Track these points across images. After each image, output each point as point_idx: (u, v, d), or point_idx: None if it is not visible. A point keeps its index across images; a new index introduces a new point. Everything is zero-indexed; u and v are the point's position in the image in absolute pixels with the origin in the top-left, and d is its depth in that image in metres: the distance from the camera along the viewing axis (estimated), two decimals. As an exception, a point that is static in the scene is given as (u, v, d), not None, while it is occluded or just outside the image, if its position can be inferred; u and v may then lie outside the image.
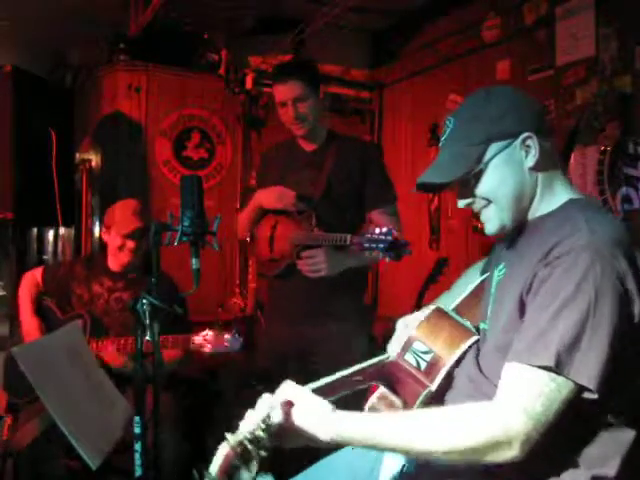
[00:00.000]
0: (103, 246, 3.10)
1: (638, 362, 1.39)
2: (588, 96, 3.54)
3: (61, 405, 1.69)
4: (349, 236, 2.49)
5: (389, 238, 2.32)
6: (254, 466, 1.25)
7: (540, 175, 1.53)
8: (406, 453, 1.46)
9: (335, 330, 2.79)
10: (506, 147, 1.50)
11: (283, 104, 2.81)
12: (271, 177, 2.96)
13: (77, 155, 4.84)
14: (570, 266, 1.34)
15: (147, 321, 1.65)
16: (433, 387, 1.59)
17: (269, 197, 2.87)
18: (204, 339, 2.58)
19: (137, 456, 1.64)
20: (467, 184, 1.55)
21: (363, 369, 1.63)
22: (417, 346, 1.64)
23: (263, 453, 1.27)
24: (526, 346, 1.36)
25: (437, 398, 1.61)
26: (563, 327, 1.32)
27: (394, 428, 1.40)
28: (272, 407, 1.34)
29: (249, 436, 1.25)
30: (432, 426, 1.38)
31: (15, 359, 1.71)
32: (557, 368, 1.31)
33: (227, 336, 2.57)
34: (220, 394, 3.73)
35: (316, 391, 1.49)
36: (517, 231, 1.60)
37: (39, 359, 1.74)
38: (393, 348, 1.71)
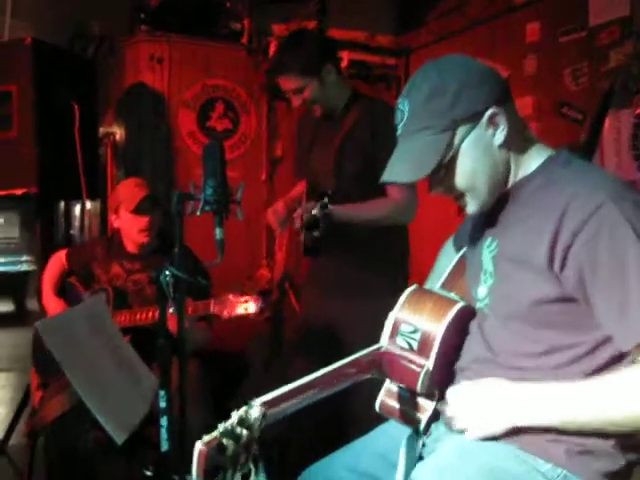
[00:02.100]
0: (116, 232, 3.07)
1: None
2: (622, 58, 3.42)
3: (86, 379, 1.67)
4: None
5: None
6: (239, 463, 1.18)
7: (512, 148, 1.46)
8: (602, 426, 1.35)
9: (364, 303, 2.68)
10: (473, 128, 1.42)
11: (287, 93, 2.77)
12: (301, 147, 2.96)
13: (101, 129, 4.81)
14: (612, 225, 1.29)
15: (171, 293, 1.61)
16: (430, 364, 1.55)
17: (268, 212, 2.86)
18: (224, 304, 2.55)
19: (163, 431, 1.62)
20: (437, 173, 1.46)
21: (356, 360, 1.56)
22: (404, 328, 1.60)
23: (245, 449, 1.20)
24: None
25: (439, 376, 1.57)
26: None
27: (587, 397, 1.34)
28: (250, 404, 1.27)
29: (223, 431, 1.18)
30: (624, 390, 1.31)
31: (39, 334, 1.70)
32: None
33: (247, 298, 2.54)
34: (248, 368, 3.72)
35: (306, 385, 1.42)
36: (496, 203, 1.54)
37: (63, 332, 1.71)
38: (383, 336, 1.66)
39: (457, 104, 1.41)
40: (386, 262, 2.83)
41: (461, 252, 1.82)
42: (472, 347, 1.57)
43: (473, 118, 1.42)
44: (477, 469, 1.41)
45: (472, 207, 1.51)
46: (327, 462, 1.72)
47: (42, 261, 3.20)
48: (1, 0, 4.78)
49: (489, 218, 1.57)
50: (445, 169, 1.45)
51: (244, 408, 1.26)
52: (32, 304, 3.69)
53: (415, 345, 1.58)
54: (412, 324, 1.60)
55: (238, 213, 1.74)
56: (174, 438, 1.63)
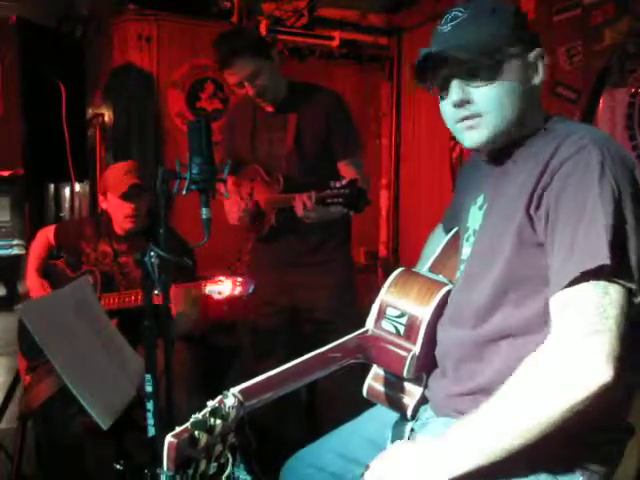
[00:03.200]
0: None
1: None
2: (617, 36, 3.38)
3: (69, 363, 1.63)
4: (314, 194, 2.49)
5: (346, 191, 2.33)
6: (214, 454, 1.17)
7: (537, 98, 1.47)
8: (525, 438, 1.26)
9: (318, 284, 2.87)
10: (519, 56, 1.40)
11: (240, 85, 2.75)
12: (241, 137, 2.95)
13: (89, 110, 4.75)
14: (586, 167, 1.27)
15: (156, 274, 1.58)
16: (417, 349, 1.52)
17: (227, 204, 2.91)
18: (216, 284, 2.53)
19: (149, 415, 1.59)
20: (468, 78, 1.40)
21: (342, 345, 1.54)
22: (390, 312, 1.58)
23: (221, 439, 1.18)
24: (576, 261, 1.24)
25: (426, 359, 1.54)
26: (604, 226, 1.23)
27: (493, 422, 1.27)
28: (225, 394, 1.25)
29: (194, 422, 1.16)
30: (525, 399, 1.26)
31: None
32: (612, 266, 1.21)
33: (240, 279, 2.51)
34: (237, 350, 3.70)
35: (292, 369, 1.40)
36: (475, 166, 1.56)
37: (45, 315, 1.67)
38: (369, 320, 1.64)
39: (518, 26, 1.42)
40: (341, 237, 3.02)
41: (451, 233, 1.78)
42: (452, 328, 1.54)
43: (524, 47, 1.41)
44: None
45: (477, 135, 1.43)
46: (315, 448, 1.70)
47: (29, 245, 3.15)
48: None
49: (477, 180, 1.56)
50: (481, 77, 1.39)
51: (218, 397, 1.24)
52: (23, 288, 3.66)
53: (402, 329, 1.55)
54: (398, 308, 1.57)
55: (225, 192, 1.70)
56: (161, 422, 1.60)
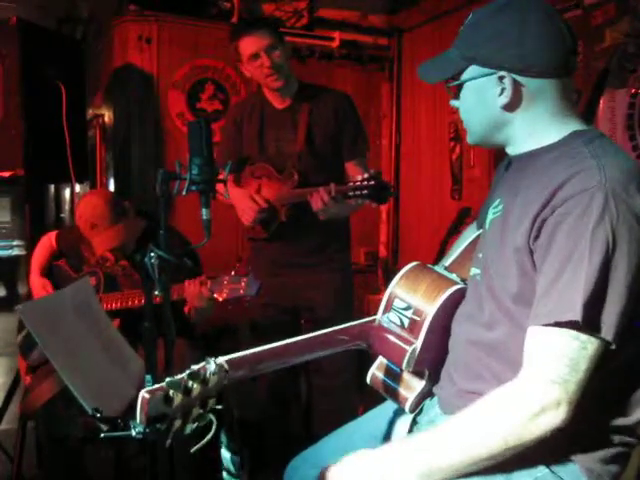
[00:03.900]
0: None
1: None
2: (618, 36, 3.38)
3: (69, 363, 1.63)
4: (334, 187, 2.50)
5: (372, 183, 2.36)
6: (190, 415, 1.21)
7: (520, 115, 1.43)
8: (452, 473, 1.32)
9: (321, 282, 2.90)
10: (483, 75, 1.42)
11: (255, 56, 2.73)
12: (248, 135, 2.94)
13: (90, 111, 4.75)
14: (584, 211, 1.25)
15: (156, 275, 1.58)
16: (418, 343, 1.53)
17: (238, 204, 2.83)
18: (220, 285, 2.51)
19: (149, 415, 1.58)
20: (449, 89, 1.52)
21: (347, 328, 1.58)
22: (397, 304, 1.59)
23: (199, 402, 1.23)
24: (551, 306, 1.27)
25: (428, 355, 1.55)
26: (585, 278, 1.23)
27: (427, 453, 1.31)
28: (208, 360, 1.30)
29: (169, 382, 1.20)
30: (467, 436, 1.29)
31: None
32: (583, 325, 1.23)
33: (244, 280, 2.50)
34: (240, 347, 3.69)
35: (295, 343, 1.46)
36: (510, 165, 1.54)
37: (45, 316, 1.67)
38: (379, 309, 1.66)
39: (483, 46, 1.41)
40: (344, 240, 3.05)
41: (477, 233, 1.78)
42: (464, 327, 1.54)
43: (488, 65, 1.42)
44: None
45: (467, 137, 1.56)
46: (318, 447, 1.70)
47: (32, 245, 3.15)
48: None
49: (504, 182, 1.55)
50: (454, 92, 1.50)
51: (202, 363, 1.26)
52: (23, 289, 3.66)
53: (406, 322, 1.56)
54: (406, 301, 1.58)
55: (225, 192, 1.70)
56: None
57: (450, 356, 1.57)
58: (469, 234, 1.88)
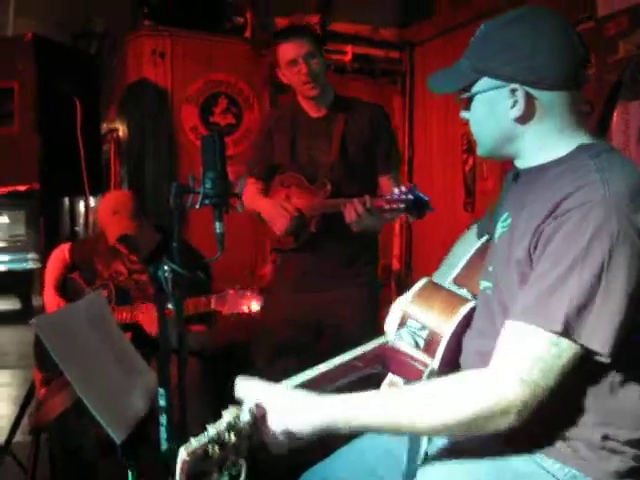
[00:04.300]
0: None
1: None
2: (632, 48, 3.38)
3: (83, 376, 1.64)
4: (368, 199, 2.44)
5: (410, 197, 2.29)
6: (225, 467, 1.20)
7: (532, 129, 1.42)
8: (395, 431, 1.36)
9: (349, 297, 2.80)
10: (495, 88, 1.41)
11: (294, 62, 2.72)
12: (280, 144, 2.89)
13: (104, 125, 4.79)
14: (581, 221, 1.24)
15: (169, 288, 1.58)
16: (435, 364, 1.51)
17: (269, 213, 2.80)
18: (224, 299, 2.52)
19: (162, 430, 1.59)
20: (460, 101, 1.51)
21: (362, 354, 1.55)
22: (411, 324, 1.57)
23: (235, 456, 1.21)
24: (531, 305, 1.27)
25: (444, 374, 1.53)
26: (573, 287, 1.23)
27: (383, 405, 1.32)
28: (241, 408, 1.27)
29: (211, 438, 1.18)
30: (425, 400, 1.30)
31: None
32: (565, 332, 1.22)
33: (248, 293, 2.50)
34: (253, 362, 3.69)
35: (312, 381, 1.42)
36: (518, 178, 1.52)
37: (59, 329, 1.68)
38: (389, 327, 1.63)
39: (494, 58, 1.40)
40: (373, 253, 2.99)
41: (481, 241, 1.76)
42: (473, 339, 1.53)
43: (499, 78, 1.41)
44: (486, 468, 1.38)
45: (477, 149, 1.55)
46: (330, 461, 1.69)
47: (47, 258, 3.17)
48: (4, -2, 4.78)
49: (512, 195, 1.54)
50: (465, 104, 1.49)
51: (234, 411, 1.25)
52: (38, 301, 3.69)
53: (421, 343, 1.55)
54: (420, 321, 1.56)
55: (239, 206, 1.71)
56: (174, 437, 1.60)
57: (463, 368, 1.56)
58: (469, 240, 1.87)
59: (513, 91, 1.39)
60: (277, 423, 1.30)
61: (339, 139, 2.77)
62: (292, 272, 2.91)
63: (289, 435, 1.31)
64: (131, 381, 1.88)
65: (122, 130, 4.81)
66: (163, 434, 1.59)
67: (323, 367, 1.47)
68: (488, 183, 4.34)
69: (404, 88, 5.15)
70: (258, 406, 1.29)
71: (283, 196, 2.81)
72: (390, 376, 1.66)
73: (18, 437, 3.18)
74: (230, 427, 1.21)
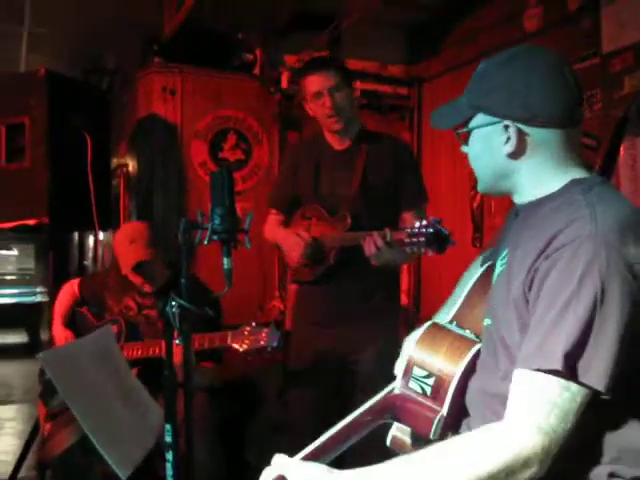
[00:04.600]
0: None
1: None
2: (637, 84, 3.40)
3: (89, 412, 1.63)
4: (389, 232, 2.40)
5: (430, 230, 2.24)
6: None
7: (525, 164, 1.45)
8: None
9: (370, 332, 2.73)
10: (489, 124, 1.45)
11: (318, 95, 2.70)
12: (304, 177, 2.88)
13: (114, 160, 4.83)
14: (571, 258, 1.25)
15: (177, 324, 1.58)
16: (444, 411, 1.49)
17: (285, 242, 2.79)
18: (240, 336, 2.50)
19: (169, 466, 1.58)
20: (458, 136, 1.55)
21: (371, 407, 1.54)
22: (417, 372, 1.55)
23: None
24: (534, 351, 1.26)
25: (452, 419, 1.52)
26: (569, 325, 1.22)
27: (403, 476, 1.27)
28: None
29: None
30: (442, 466, 1.26)
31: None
32: (566, 371, 1.21)
33: (265, 331, 2.49)
34: (262, 398, 3.67)
35: (328, 441, 1.41)
36: (515, 215, 1.54)
37: (66, 364, 1.68)
38: (398, 372, 1.63)
39: (489, 96, 1.44)
40: (393, 289, 2.93)
41: (479, 273, 1.76)
42: (478, 378, 1.52)
43: (493, 114, 1.44)
44: None
45: (477, 185, 1.59)
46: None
47: (55, 292, 3.18)
48: (17, 34, 4.86)
49: (511, 232, 1.55)
50: (464, 139, 1.53)
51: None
52: (45, 335, 3.68)
53: (428, 390, 1.53)
54: (425, 368, 1.54)
55: (247, 242, 1.72)
56: (180, 473, 1.59)
57: (469, 411, 1.55)
58: (473, 273, 1.86)
59: (506, 127, 1.42)
60: None
61: (360, 171, 2.74)
62: (308, 306, 2.88)
63: None
64: (137, 417, 1.87)
65: (132, 165, 4.84)
66: (169, 470, 1.58)
67: (333, 431, 1.45)
68: (496, 219, 4.34)
69: (412, 124, 5.18)
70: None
71: (304, 228, 2.79)
72: (396, 427, 1.64)
73: (23, 472, 3.16)
74: None
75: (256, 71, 4.68)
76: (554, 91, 1.41)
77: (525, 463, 1.22)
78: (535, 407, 1.24)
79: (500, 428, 1.28)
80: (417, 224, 2.27)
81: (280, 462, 1.30)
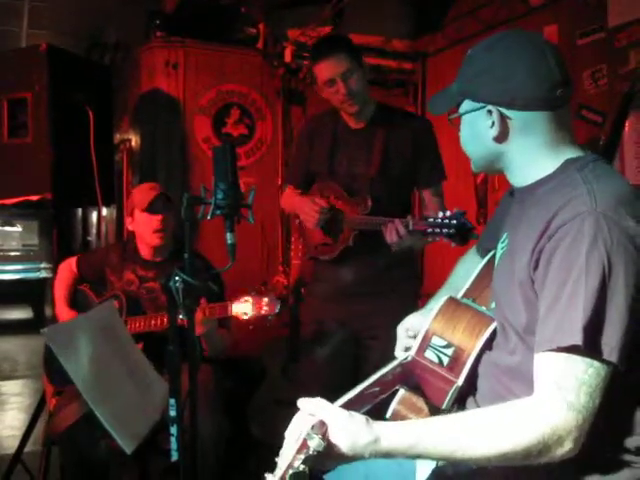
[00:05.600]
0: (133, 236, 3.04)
1: None
2: (643, 58, 3.37)
3: (94, 387, 1.64)
4: (411, 221, 2.39)
5: (453, 222, 2.24)
6: None
7: (514, 146, 1.47)
8: (453, 460, 1.33)
9: (385, 306, 2.69)
10: (475, 110, 1.48)
11: (331, 82, 2.64)
12: (319, 152, 2.84)
13: (117, 135, 4.82)
14: (575, 235, 1.26)
15: (181, 299, 1.59)
16: (460, 382, 1.51)
17: (301, 208, 2.76)
18: (242, 305, 2.51)
19: (173, 440, 1.59)
20: (451, 120, 1.59)
21: (381, 377, 1.52)
22: (436, 341, 1.56)
23: None
24: (551, 331, 1.27)
25: (463, 392, 1.53)
26: (583, 301, 1.23)
27: (438, 435, 1.28)
28: (308, 434, 1.23)
29: (292, 472, 1.19)
30: (478, 431, 1.28)
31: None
32: (585, 346, 1.22)
33: (265, 300, 2.50)
34: (265, 372, 3.69)
35: (347, 403, 1.38)
36: (513, 197, 1.57)
37: (70, 339, 1.69)
38: (400, 354, 1.64)
39: (474, 81, 1.47)
40: (411, 267, 2.94)
41: (486, 259, 1.77)
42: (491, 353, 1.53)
43: (477, 100, 1.47)
44: None
45: (471, 166, 1.62)
46: (338, 472, 1.68)
47: (56, 269, 3.18)
48: (19, 10, 4.82)
49: (509, 215, 1.57)
50: (456, 124, 1.56)
51: (300, 442, 1.23)
52: (50, 311, 3.70)
53: (445, 360, 1.54)
54: (445, 338, 1.55)
55: (250, 217, 1.71)
56: (184, 447, 1.60)
57: (478, 383, 1.55)
58: (470, 261, 1.89)
59: (490, 112, 1.44)
60: (345, 446, 1.27)
61: (380, 153, 2.71)
62: (326, 284, 2.87)
63: (349, 459, 1.29)
64: (142, 391, 1.88)
65: (134, 140, 4.83)
66: (174, 444, 1.59)
67: (350, 396, 1.42)
68: (499, 194, 4.32)
69: (416, 99, 5.15)
70: (323, 424, 1.26)
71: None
72: (400, 392, 1.64)
73: (29, 447, 3.19)
74: (303, 456, 1.21)
75: (259, 45, 4.65)
76: (535, 74, 1.42)
77: (559, 440, 1.23)
78: (564, 385, 1.25)
79: (535, 405, 1.27)
80: (440, 214, 2.27)
81: (320, 405, 1.30)
